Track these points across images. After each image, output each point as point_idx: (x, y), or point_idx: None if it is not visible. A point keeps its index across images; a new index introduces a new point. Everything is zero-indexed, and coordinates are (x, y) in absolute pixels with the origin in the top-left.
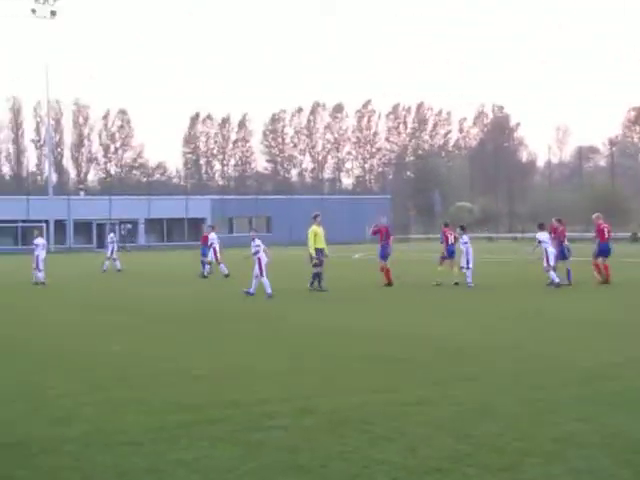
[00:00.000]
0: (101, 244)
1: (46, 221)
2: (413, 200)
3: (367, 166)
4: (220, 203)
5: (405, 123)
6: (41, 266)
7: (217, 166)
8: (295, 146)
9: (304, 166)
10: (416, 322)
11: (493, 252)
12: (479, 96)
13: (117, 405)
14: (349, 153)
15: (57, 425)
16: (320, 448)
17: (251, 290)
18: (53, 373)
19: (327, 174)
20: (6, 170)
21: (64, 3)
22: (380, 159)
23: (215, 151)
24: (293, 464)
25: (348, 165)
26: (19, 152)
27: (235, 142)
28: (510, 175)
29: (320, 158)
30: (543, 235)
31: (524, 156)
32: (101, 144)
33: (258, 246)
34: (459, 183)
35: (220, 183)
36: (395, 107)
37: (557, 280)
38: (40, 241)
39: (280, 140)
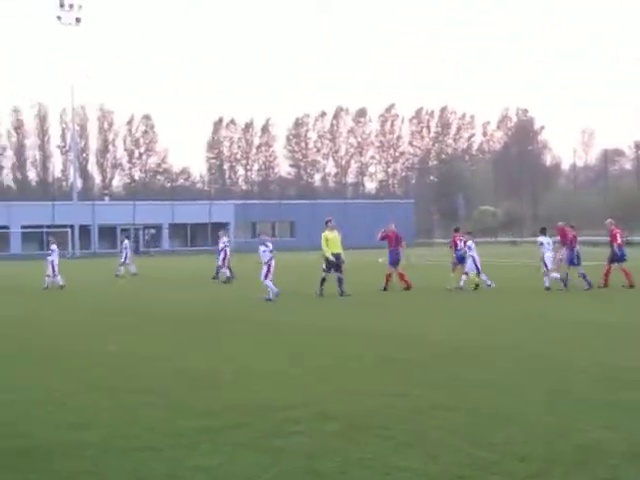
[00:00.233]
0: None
1: (71, 226)
2: (436, 204)
3: (390, 170)
4: (243, 208)
5: (428, 127)
6: (57, 270)
7: (240, 171)
8: (318, 151)
9: (327, 171)
10: (429, 326)
11: (515, 256)
12: (503, 100)
13: (136, 410)
14: (372, 157)
15: (75, 430)
16: (340, 454)
17: (269, 296)
18: (70, 377)
19: (350, 178)
20: (32, 176)
21: (88, 10)
22: (403, 163)
23: (238, 156)
24: (313, 470)
25: (371, 169)
26: (45, 158)
27: (258, 147)
28: (534, 179)
29: (343, 162)
30: (544, 239)
31: (548, 159)
32: (125, 149)
33: (272, 251)
34: (483, 187)
35: (244, 188)
36: (418, 111)
37: (548, 285)
38: (55, 247)
39: (303, 145)
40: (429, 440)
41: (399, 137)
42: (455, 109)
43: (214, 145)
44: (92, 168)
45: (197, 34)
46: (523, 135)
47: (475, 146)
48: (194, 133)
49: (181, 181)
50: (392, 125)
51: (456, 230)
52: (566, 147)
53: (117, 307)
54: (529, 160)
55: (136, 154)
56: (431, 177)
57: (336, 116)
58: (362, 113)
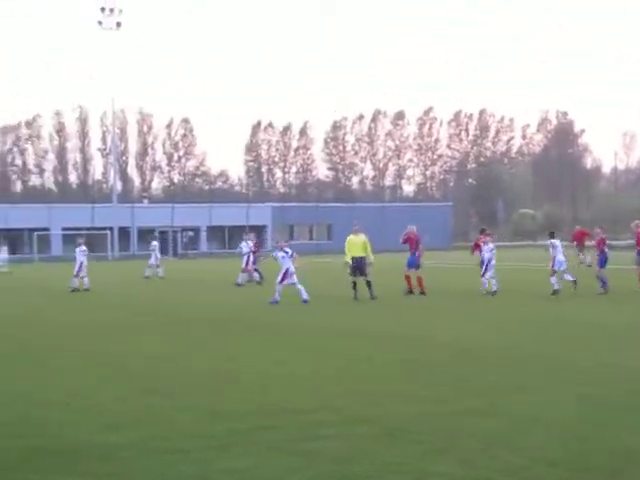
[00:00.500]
0: (164, 251)
1: (110, 228)
2: (475, 207)
3: (428, 173)
4: (281, 210)
5: (467, 130)
6: (84, 272)
7: (278, 174)
8: (356, 154)
9: (365, 174)
10: (456, 329)
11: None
12: (543, 102)
13: (165, 412)
14: (410, 160)
15: (106, 432)
16: (371, 458)
17: (304, 297)
18: (100, 378)
19: (388, 181)
20: (73, 178)
21: (129, 14)
22: (441, 166)
23: (276, 159)
24: (343, 475)
25: (409, 172)
26: (86, 161)
27: (296, 150)
28: (574, 182)
29: (381, 165)
30: (556, 241)
31: (589, 162)
32: (164, 152)
33: (291, 256)
34: (522, 190)
35: (281, 191)
36: (457, 114)
37: (557, 287)
38: (84, 248)
39: (341, 148)
40: (460, 445)
41: (437, 140)
42: (494, 112)
43: (252, 148)
44: (132, 171)
45: (236, 37)
46: (563, 138)
47: (514, 149)
48: (232, 136)
49: (219, 184)
50: (430, 128)
51: (482, 232)
52: (607, 150)
53: (148, 308)
54: (569, 163)
55: (175, 157)
56: (469, 180)
57: (374, 119)
58: (400, 116)
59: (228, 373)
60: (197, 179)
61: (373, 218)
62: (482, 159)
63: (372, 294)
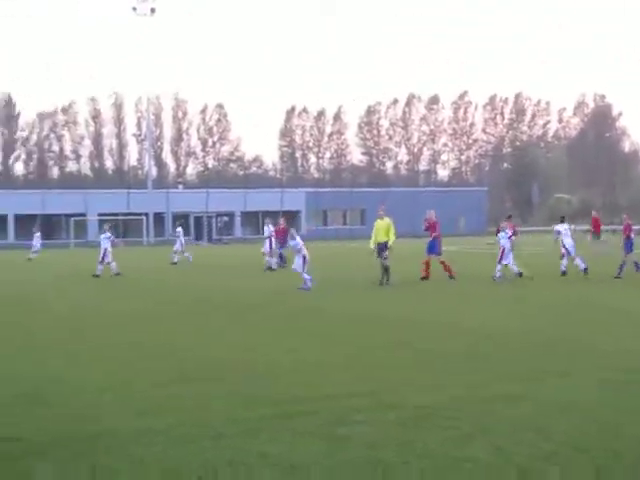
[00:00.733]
0: (199, 236)
1: (146, 214)
2: (510, 192)
3: (463, 158)
4: (315, 196)
5: (502, 114)
6: (109, 258)
7: (312, 159)
8: (390, 138)
9: (399, 158)
10: (483, 316)
11: (585, 246)
12: (580, 85)
13: (202, 397)
14: (445, 145)
15: (145, 416)
16: (402, 444)
17: (307, 285)
18: (139, 364)
19: (423, 166)
20: (109, 164)
21: (163, 0)
22: (476, 150)
23: (310, 144)
24: (375, 460)
25: (444, 157)
26: (121, 146)
27: (330, 135)
28: (612, 166)
29: (415, 150)
30: (562, 227)
31: (627, 146)
32: (199, 138)
33: (299, 244)
34: (558, 174)
35: (315, 176)
36: (492, 98)
37: (564, 269)
38: (109, 234)
39: (375, 132)
40: (489, 430)
41: (472, 124)
42: (530, 95)
43: (286, 133)
44: (166, 156)
45: (271, 22)
46: (600, 121)
47: (550, 133)
48: (266, 121)
49: (253, 169)
50: (465, 112)
51: (509, 218)
52: None
53: (182, 294)
54: (606, 147)
55: (209, 142)
56: (505, 164)
57: (408, 103)
58: (435, 100)
59: (265, 361)
60: (231, 164)
61: (407, 203)
62: (518, 143)
63: (386, 280)
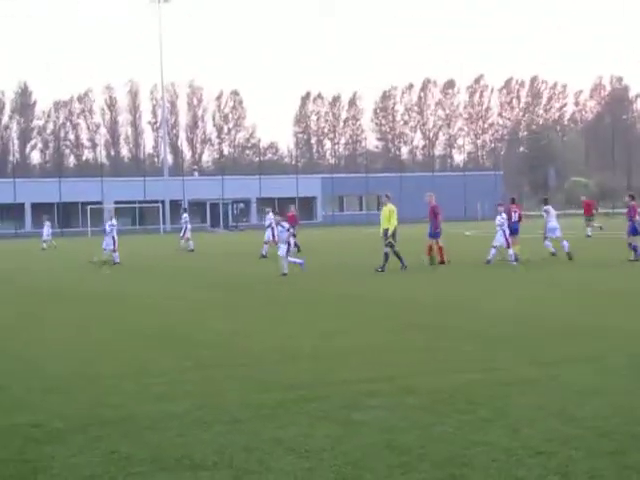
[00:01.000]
0: (215, 223)
1: (162, 201)
2: (526, 176)
3: (479, 142)
4: (330, 182)
5: (518, 97)
6: (116, 246)
7: (328, 145)
8: (406, 123)
9: (415, 143)
10: (507, 300)
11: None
12: (597, 68)
13: (218, 382)
14: (461, 129)
15: (161, 401)
16: (420, 429)
17: (302, 265)
18: (156, 350)
19: (438, 151)
20: (125, 152)
21: None
22: (492, 134)
23: (326, 130)
24: (391, 444)
25: (460, 141)
26: (137, 134)
27: (346, 120)
28: (629, 149)
29: (431, 135)
30: (549, 208)
31: None
32: (215, 125)
33: (289, 229)
34: (574, 158)
35: (331, 162)
36: (508, 81)
37: (553, 250)
38: (115, 222)
39: (390, 118)
40: (511, 415)
41: (488, 108)
42: (546, 79)
43: (301, 119)
44: (182, 144)
45: (285, 8)
46: (617, 104)
47: (567, 116)
48: (282, 108)
49: (269, 155)
50: (481, 96)
51: (512, 201)
52: None
53: (198, 279)
54: (623, 129)
55: (225, 129)
56: (521, 148)
57: (424, 88)
58: (450, 85)
59: (283, 346)
60: (247, 151)
61: (423, 188)
62: (534, 127)
63: (382, 266)
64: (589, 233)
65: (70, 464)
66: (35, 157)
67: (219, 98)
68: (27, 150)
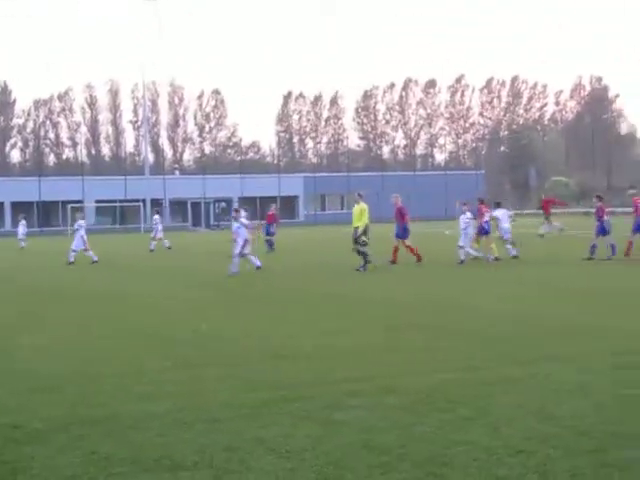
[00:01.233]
0: (197, 222)
1: (143, 200)
2: (507, 175)
3: (460, 141)
4: (312, 181)
5: (499, 97)
6: (83, 247)
7: (310, 144)
8: (387, 122)
9: (396, 142)
10: (486, 298)
11: (577, 227)
12: (576, 68)
13: (200, 382)
14: (442, 129)
15: (144, 401)
16: (401, 428)
17: (257, 263)
18: (139, 349)
19: (420, 150)
20: (106, 151)
21: None
22: (474, 134)
23: (308, 129)
24: (372, 444)
25: (441, 141)
26: (118, 133)
27: (327, 119)
28: (608, 148)
29: (413, 134)
30: (499, 212)
31: (623, 128)
32: (196, 124)
33: (246, 226)
34: (555, 157)
35: (313, 161)
36: (489, 81)
37: (514, 253)
38: (83, 222)
39: (372, 117)
40: (492, 414)
41: (469, 108)
42: (526, 78)
43: (283, 118)
44: (163, 143)
45: (264, 6)
46: (597, 104)
47: (547, 116)
48: (263, 107)
49: (251, 155)
50: (462, 96)
51: (481, 202)
52: None
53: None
54: (603, 129)
55: (206, 128)
56: (502, 148)
57: (405, 87)
58: (432, 84)
59: (269, 346)
60: (229, 150)
61: (405, 187)
62: (514, 126)
63: (362, 265)
64: (542, 232)
65: (50, 464)
66: (15, 156)
67: (200, 97)
68: (7, 149)
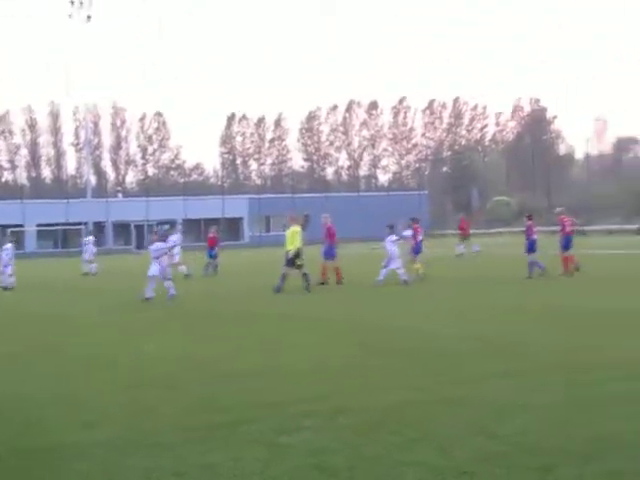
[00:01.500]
0: (140, 245)
1: (85, 223)
2: (450, 195)
3: (404, 162)
4: (257, 202)
5: (441, 118)
6: (11, 270)
7: (254, 165)
8: (331, 144)
9: (340, 164)
10: (421, 317)
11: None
12: (516, 90)
13: (143, 405)
14: (385, 150)
15: (88, 428)
16: (350, 450)
17: (172, 292)
18: (87, 374)
19: (363, 171)
20: (47, 174)
21: (99, 8)
22: (416, 155)
23: (251, 150)
24: (321, 466)
25: (384, 162)
26: (59, 156)
27: (271, 141)
28: (548, 168)
29: (356, 155)
30: (390, 238)
31: (562, 149)
32: (139, 146)
33: (158, 250)
34: (496, 177)
35: (257, 182)
36: (431, 102)
37: (405, 278)
38: (10, 245)
39: (316, 138)
40: (440, 434)
41: (412, 129)
42: (467, 100)
43: (227, 140)
44: (106, 165)
45: (207, 29)
46: (536, 125)
47: (488, 137)
48: (207, 129)
49: (194, 177)
50: (405, 117)
51: (414, 221)
52: (580, 136)
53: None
54: (542, 150)
55: (149, 150)
56: (444, 168)
57: (348, 109)
58: (374, 105)
59: (217, 367)
60: (172, 172)
61: (349, 208)
62: (456, 147)
63: (305, 285)
64: (459, 252)
65: None
66: None
67: (143, 119)
68: None
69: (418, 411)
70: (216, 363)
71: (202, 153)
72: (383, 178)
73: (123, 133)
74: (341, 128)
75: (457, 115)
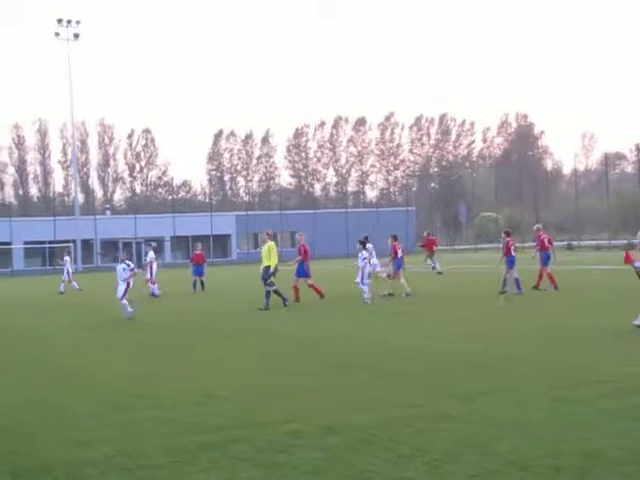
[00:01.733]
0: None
1: (73, 241)
2: (438, 211)
3: (391, 178)
4: (245, 219)
5: (429, 134)
6: None
7: (241, 182)
8: (319, 160)
9: (328, 180)
10: (405, 333)
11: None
12: (503, 106)
13: (138, 426)
14: (373, 166)
15: (79, 448)
16: (342, 468)
17: (128, 310)
18: (74, 393)
19: (351, 187)
20: (34, 192)
21: (87, 26)
22: (404, 171)
23: (239, 167)
24: None
25: (372, 178)
26: (46, 173)
27: (259, 158)
28: (535, 184)
29: (344, 171)
30: (364, 253)
31: (549, 164)
32: (126, 163)
33: (132, 269)
34: (484, 193)
35: (245, 199)
36: (418, 119)
37: (367, 296)
38: None
39: (303, 155)
40: (431, 450)
41: (399, 145)
42: (455, 116)
43: (214, 157)
44: (93, 182)
45: (195, 48)
46: (523, 140)
47: (475, 152)
48: (194, 146)
49: (182, 194)
50: (392, 133)
51: (395, 238)
52: (567, 152)
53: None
54: (530, 165)
55: (137, 168)
56: (432, 184)
57: (335, 125)
58: (362, 122)
59: (207, 387)
60: (160, 189)
61: (337, 224)
62: (444, 163)
63: (265, 304)
64: (434, 266)
65: None
66: None
67: (131, 136)
68: None
69: (410, 428)
70: (200, 383)
71: (190, 170)
72: (371, 194)
73: (111, 150)
74: (328, 144)
75: (444, 131)
